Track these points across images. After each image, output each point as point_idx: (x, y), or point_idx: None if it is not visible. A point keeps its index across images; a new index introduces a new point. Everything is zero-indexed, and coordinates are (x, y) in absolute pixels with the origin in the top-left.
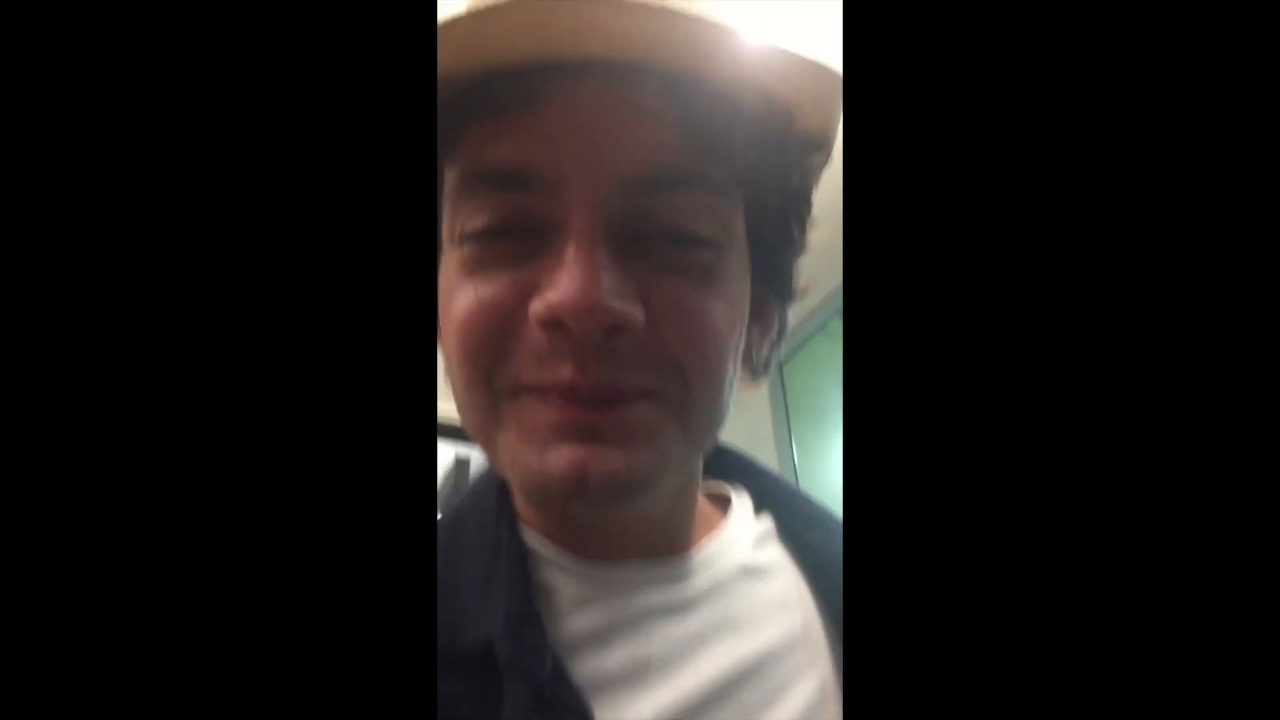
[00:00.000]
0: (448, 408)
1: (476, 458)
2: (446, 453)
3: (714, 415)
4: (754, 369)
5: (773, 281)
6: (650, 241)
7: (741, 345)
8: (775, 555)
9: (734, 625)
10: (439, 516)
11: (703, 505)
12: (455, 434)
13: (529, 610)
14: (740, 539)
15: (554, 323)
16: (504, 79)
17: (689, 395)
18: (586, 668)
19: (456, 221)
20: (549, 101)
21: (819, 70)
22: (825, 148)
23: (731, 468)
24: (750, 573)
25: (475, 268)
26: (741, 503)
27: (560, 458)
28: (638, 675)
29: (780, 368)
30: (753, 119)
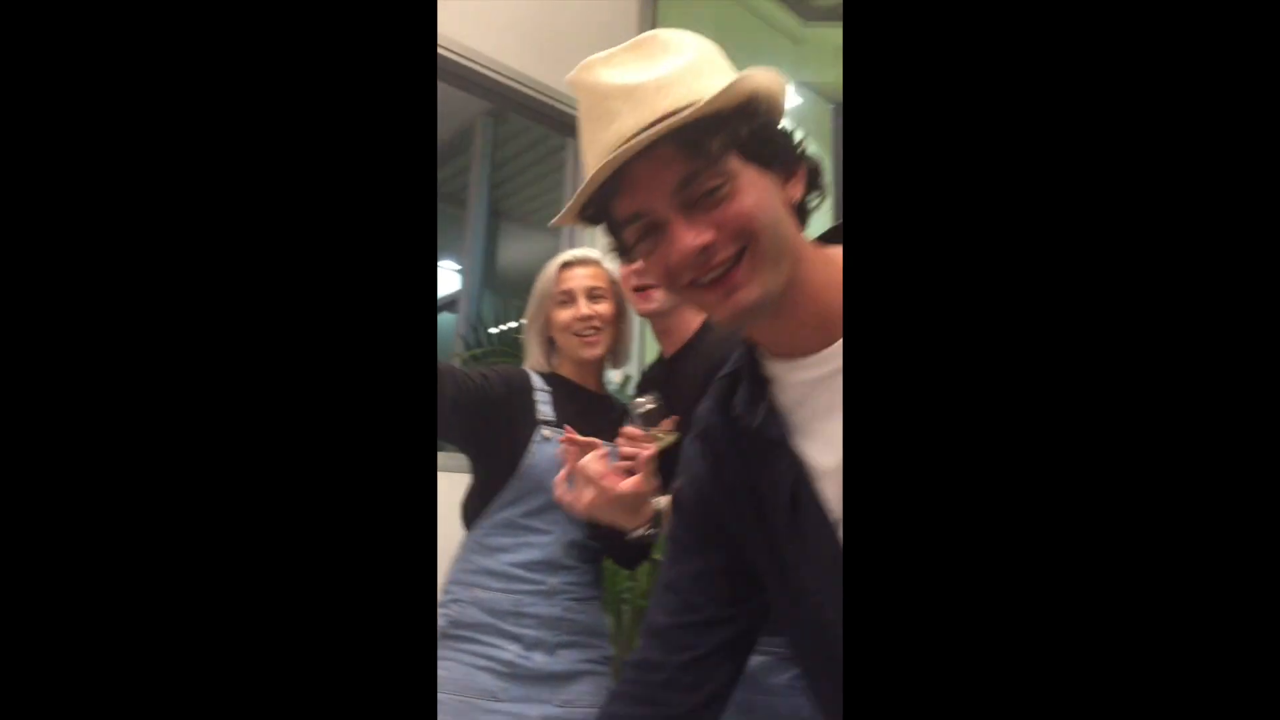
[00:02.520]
0: None
1: None
2: None
3: (780, 249)
4: (800, 212)
5: (781, 167)
6: (698, 200)
7: (785, 206)
8: None
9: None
10: None
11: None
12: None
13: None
14: None
15: (683, 260)
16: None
17: (758, 246)
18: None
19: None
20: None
21: (753, 78)
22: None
23: None
24: None
25: (647, 251)
26: None
27: (723, 304)
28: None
29: None
30: (726, 116)
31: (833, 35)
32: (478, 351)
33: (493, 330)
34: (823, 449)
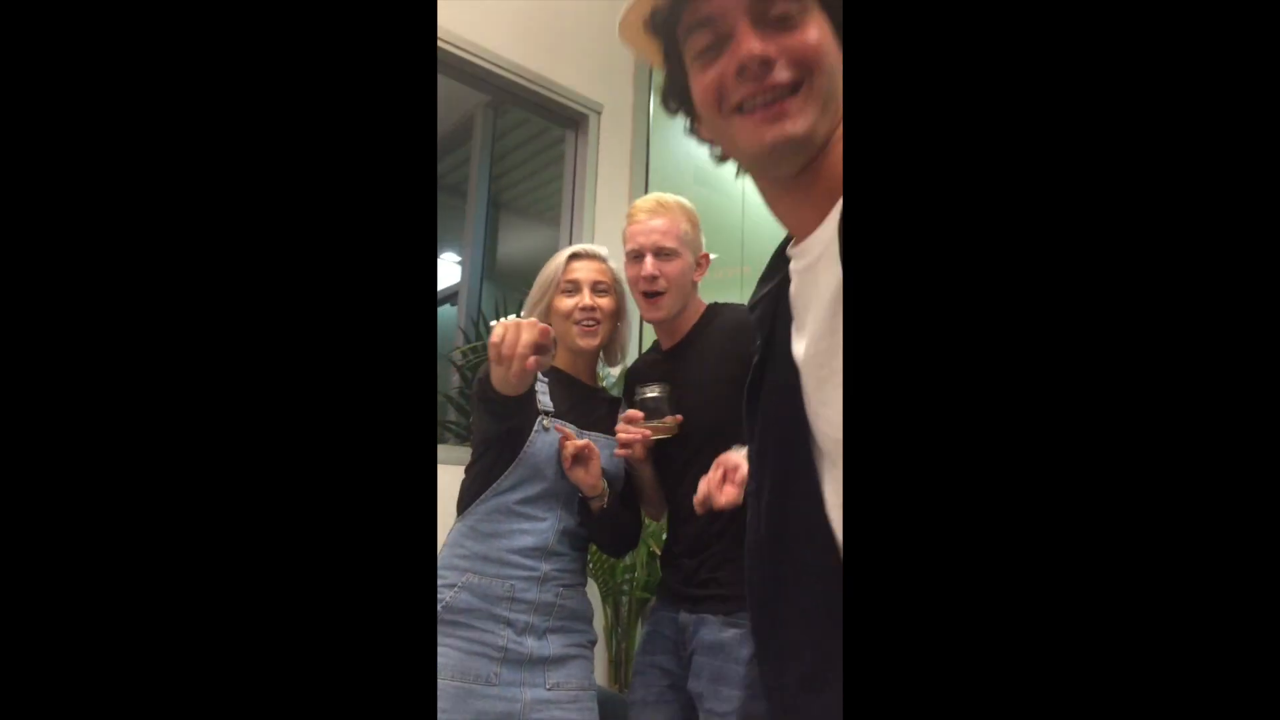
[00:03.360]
0: None
1: None
2: None
3: (833, 95)
4: None
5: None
6: (771, 19)
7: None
8: None
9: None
10: None
11: None
12: None
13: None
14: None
15: (743, 67)
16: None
17: (815, 82)
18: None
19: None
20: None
21: None
22: None
23: None
24: None
25: (705, 64)
26: None
27: (767, 130)
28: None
29: None
30: None
31: None
32: (478, 344)
33: (493, 322)
34: (798, 337)
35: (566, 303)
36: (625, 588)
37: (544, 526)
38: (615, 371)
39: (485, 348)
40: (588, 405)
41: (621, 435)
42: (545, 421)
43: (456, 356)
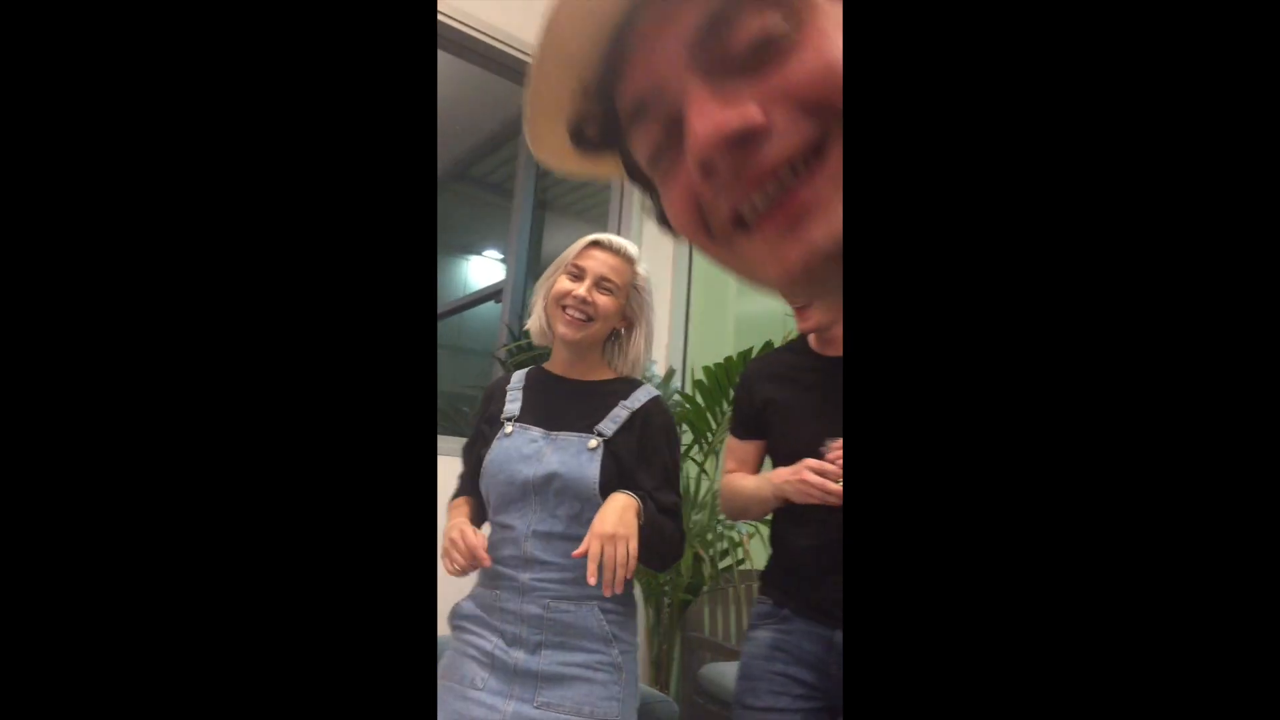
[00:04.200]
0: None
1: None
2: None
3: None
4: None
5: None
6: (735, 57)
7: None
8: None
9: None
10: None
11: None
12: None
13: None
14: None
15: (706, 164)
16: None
17: (839, 130)
18: None
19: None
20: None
21: None
22: None
23: None
24: None
25: (668, 170)
26: None
27: (789, 245)
28: None
29: None
30: None
31: None
32: (523, 341)
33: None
34: None
35: (565, 285)
36: (667, 589)
37: (515, 535)
38: (660, 368)
39: (530, 345)
40: (562, 405)
41: (820, 492)
42: (508, 428)
43: (502, 353)
